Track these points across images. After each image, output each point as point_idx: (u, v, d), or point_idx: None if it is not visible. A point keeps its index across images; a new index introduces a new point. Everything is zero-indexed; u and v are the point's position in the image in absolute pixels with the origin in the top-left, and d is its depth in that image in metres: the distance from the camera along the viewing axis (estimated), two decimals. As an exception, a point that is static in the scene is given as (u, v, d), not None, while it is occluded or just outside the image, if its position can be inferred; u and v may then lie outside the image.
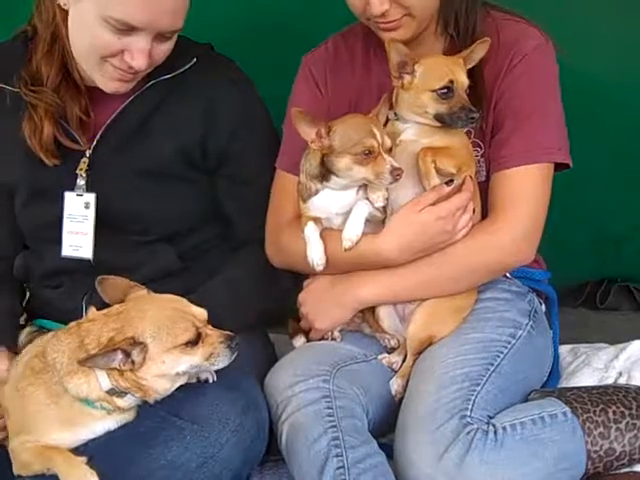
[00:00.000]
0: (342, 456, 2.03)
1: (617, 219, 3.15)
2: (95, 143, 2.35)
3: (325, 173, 2.20)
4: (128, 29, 2.13)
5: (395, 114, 2.25)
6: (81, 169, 2.35)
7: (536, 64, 2.26)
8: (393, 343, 2.35)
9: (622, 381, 2.45)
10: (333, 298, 2.33)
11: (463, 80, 2.15)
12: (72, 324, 2.08)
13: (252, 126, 2.42)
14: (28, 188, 2.39)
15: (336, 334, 2.38)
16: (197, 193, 2.42)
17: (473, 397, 2.13)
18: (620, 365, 2.51)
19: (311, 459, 2.06)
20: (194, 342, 1.99)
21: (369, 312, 2.37)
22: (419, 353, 2.28)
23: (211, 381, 2.12)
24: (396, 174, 2.10)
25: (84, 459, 1.99)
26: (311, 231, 2.26)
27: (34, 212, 2.43)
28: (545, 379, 2.43)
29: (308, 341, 2.41)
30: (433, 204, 2.16)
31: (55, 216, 2.38)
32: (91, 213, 2.35)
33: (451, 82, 2.13)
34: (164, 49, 2.24)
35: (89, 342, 1.99)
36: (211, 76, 2.38)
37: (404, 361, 2.33)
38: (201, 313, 2.04)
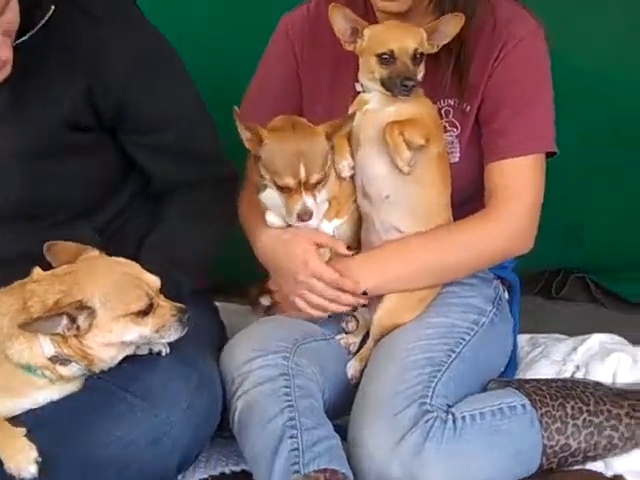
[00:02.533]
0: (297, 438, 1.92)
1: (580, 208, 3.06)
2: None
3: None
4: None
5: (361, 85, 2.14)
6: None
7: (532, 49, 2.15)
8: (351, 327, 2.25)
9: (579, 375, 2.41)
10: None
11: (407, 46, 2.03)
12: (15, 284, 1.89)
13: (149, 67, 2.05)
14: None
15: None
16: (100, 157, 2.11)
17: (434, 384, 2.03)
18: (578, 358, 2.46)
19: (265, 439, 1.94)
20: (145, 312, 1.85)
21: None
22: (380, 339, 2.17)
23: (164, 354, 1.96)
24: (302, 219, 2.01)
25: (23, 430, 1.82)
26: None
27: None
28: (503, 368, 2.34)
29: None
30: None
31: None
32: None
33: (393, 47, 2.03)
34: (9, 18, 1.86)
35: (33, 304, 1.82)
36: (81, 20, 1.98)
37: (362, 343, 2.23)
38: (154, 281, 1.88)
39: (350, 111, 2.14)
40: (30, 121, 2.00)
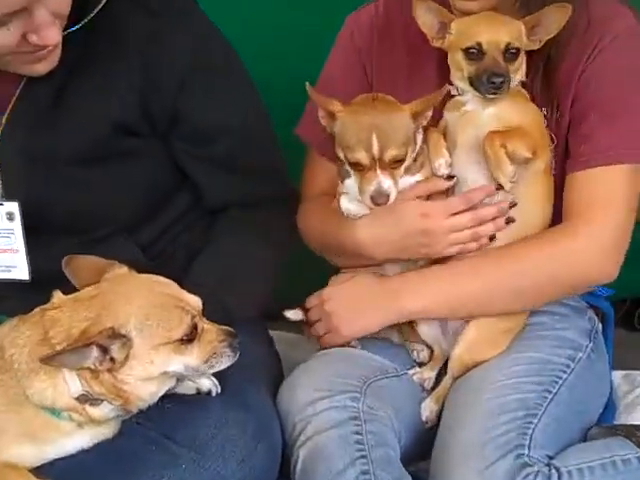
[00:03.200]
0: None
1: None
2: (2, 130, 1.80)
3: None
4: (10, 16, 1.60)
5: (455, 88, 1.89)
6: None
7: (630, 46, 1.87)
8: (422, 357, 1.97)
9: None
10: (373, 301, 1.91)
11: (498, 39, 1.78)
12: (35, 311, 1.61)
13: (207, 69, 1.84)
14: None
15: (354, 342, 1.97)
16: (149, 166, 1.89)
17: (530, 431, 1.75)
18: (687, 400, 2.12)
19: None
20: (190, 338, 1.57)
21: None
22: (460, 376, 1.90)
23: (214, 394, 1.67)
24: (377, 202, 1.76)
25: None
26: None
27: None
28: (602, 410, 2.04)
29: (321, 347, 2.01)
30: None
31: None
32: (17, 226, 1.82)
33: (481, 40, 1.78)
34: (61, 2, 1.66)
35: (55, 335, 1.53)
36: (136, 12, 1.79)
37: (438, 379, 1.95)
38: (195, 302, 1.60)
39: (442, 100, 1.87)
40: (74, 122, 1.79)
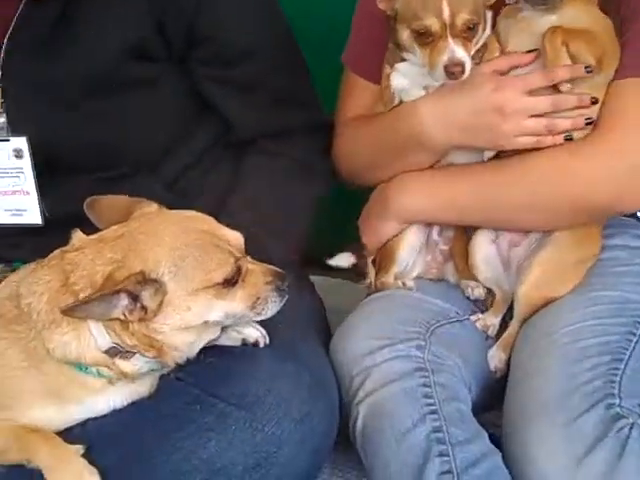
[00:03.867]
0: (448, 456, 1.46)
1: None
2: (2, 58, 1.64)
3: (396, 43, 1.70)
4: None
5: None
6: None
7: None
8: (477, 294, 1.79)
9: None
10: (378, 207, 1.81)
11: None
12: (54, 254, 1.42)
13: None
14: None
15: (409, 282, 1.81)
16: (169, 94, 1.72)
17: (617, 378, 1.56)
18: None
19: (403, 456, 1.48)
20: (232, 281, 1.36)
21: (459, 254, 1.82)
22: (527, 319, 1.72)
23: (262, 345, 1.47)
24: (452, 71, 1.60)
25: (80, 449, 1.37)
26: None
27: None
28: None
29: (373, 289, 1.82)
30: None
31: None
32: (27, 164, 1.67)
33: None
34: None
35: (76, 280, 1.34)
36: None
37: (502, 324, 1.77)
38: (237, 239, 1.41)
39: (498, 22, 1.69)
40: (81, 46, 1.63)
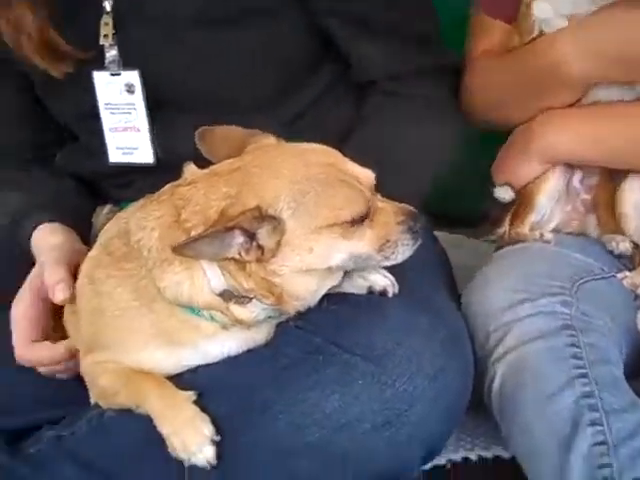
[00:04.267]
0: (602, 425, 1.30)
1: None
2: None
3: None
4: None
5: None
6: (105, 35, 1.55)
7: None
8: (623, 248, 1.63)
9: None
10: (518, 146, 1.67)
11: None
12: (165, 189, 1.31)
13: None
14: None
15: (548, 235, 1.65)
16: (286, 29, 1.60)
17: None
18: None
19: (547, 423, 1.33)
20: (359, 220, 1.24)
21: (603, 204, 1.67)
22: None
23: (391, 294, 1.33)
24: None
25: (192, 395, 1.28)
26: None
27: (55, 102, 1.68)
28: None
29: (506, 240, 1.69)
30: None
31: (88, 105, 1.62)
32: (139, 99, 1.59)
33: None
34: None
35: (188, 216, 1.23)
36: None
37: None
38: (366, 175, 1.27)
39: None
40: None
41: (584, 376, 1.33)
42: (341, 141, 1.54)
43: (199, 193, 1.23)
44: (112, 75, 1.58)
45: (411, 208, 1.28)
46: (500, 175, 1.69)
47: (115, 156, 1.64)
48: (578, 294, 1.45)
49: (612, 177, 1.63)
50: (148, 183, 1.43)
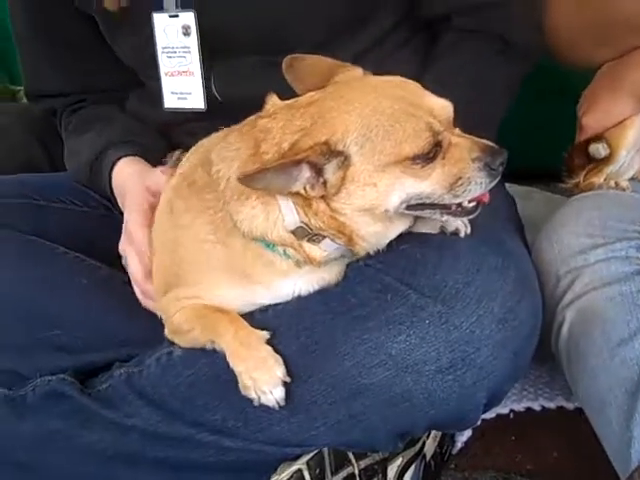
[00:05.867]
0: None
1: None
2: None
3: None
4: None
5: None
6: None
7: None
8: None
9: None
10: (609, 81, 1.62)
11: None
12: (247, 120, 1.30)
13: None
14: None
15: (624, 183, 1.62)
16: None
17: None
18: None
19: (614, 371, 1.31)
20: (428, 156, 1.19)
21: None
22: None
23: (462, 234, 1.30)
24: None
25: (265, 334, 1.28)
26: None
27: (122, 45, 1.66)
28: None
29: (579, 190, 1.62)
30: None
31: (149, 49, 1.60)
32: (194, 42, 1.55)
33: None
34: None
35: (267, 149, 1.22)
36: None
37: None
38: (443, 107, 1.22)
39: None
40: None
41: None
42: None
43: (277, 125, 1.23)
44: (170, 17, 1.55)
45: (490, 143, 1.23)
46: (588, 117, 1.62)
47: (170, 101, 1.62)
48: None
49: None
50: (211, 130, 1.41)
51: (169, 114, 1.63)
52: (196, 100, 1.59)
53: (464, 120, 1.31)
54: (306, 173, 1.19)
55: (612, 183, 1.61)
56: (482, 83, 1.54)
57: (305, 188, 1.20)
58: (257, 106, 1.30)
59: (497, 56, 1.55)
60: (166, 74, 1.60)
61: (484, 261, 1.28)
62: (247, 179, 1.17)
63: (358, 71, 1.28)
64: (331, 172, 1.19)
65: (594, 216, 1.47)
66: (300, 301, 1.31)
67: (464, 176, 1.20)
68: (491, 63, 1.55)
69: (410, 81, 1.25)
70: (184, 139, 1.65)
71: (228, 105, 1.51)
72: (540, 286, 1.40)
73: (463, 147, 1.21)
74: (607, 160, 1.61)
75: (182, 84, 1.60)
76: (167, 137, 1.69)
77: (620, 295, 1.34)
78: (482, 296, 1.25)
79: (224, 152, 1.26)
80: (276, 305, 1.32)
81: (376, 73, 1.30)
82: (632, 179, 1.63)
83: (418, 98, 1.22)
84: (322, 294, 1.31)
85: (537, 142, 2.06)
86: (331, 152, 1.18)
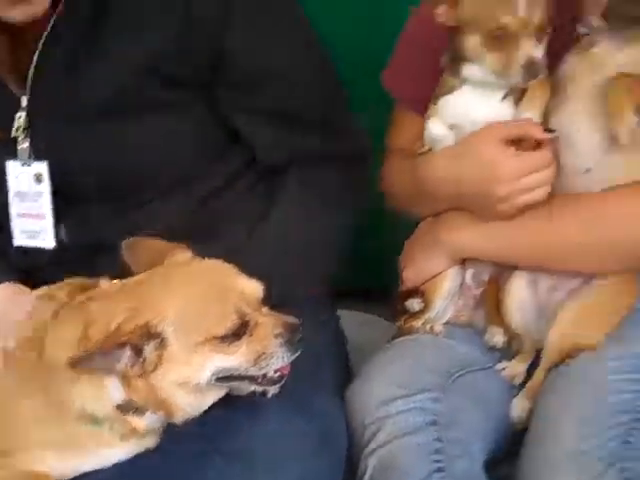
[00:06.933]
0: None
1: None
2: (29, 86, 1.60)
3: (456, 57, 1.63)
4: None
5: (586, 26, 1.60)
6: (19, 127, 1.62)
7: None
8: (496, 341, 1.75)
9: None
10: (426, 240, 1.77)
11: None
12: (78, 300, 1.43)
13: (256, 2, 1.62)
14: None
15: (438, 327, 1.77)
16: (192, 121, 1.65)
17: (633, 438, 1.51)
18: None
19: None
20: (236, 335, 1.35)
21: (490, 298, 1.77)
22: (554, 367, 1.66)
23: (270, 395, 1.45)
24: (531, 69, 1.54)
25: None
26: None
27: None
28: None
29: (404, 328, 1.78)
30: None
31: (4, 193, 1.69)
32: (46, 188, 1.65)
33: None
34: None
35: (94, 332, 1.34)
36: None
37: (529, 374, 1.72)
38: (253, 290, 1.38)
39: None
40: (101, 66, 1.58)
41: (441, 470, 1.47)
42: (251, 225, 1.67)
43: (106, 307, 1.36)
44: (23, 165, 1.64)
45: (291, 320, 1.38)
46: (406, 271, 1.79)
47: (20, 239, 1.70)
48: (451, 388, 1.60)
49: (500, 274, 1.73)
50: (59, 271, 1.54)
51: (22, 254, 1.70)
52: (46, 240, 1.67)
53: (292, 269, 1.49)
54: (128, 353, 1.30)
55: (428, 328, 1.76)
56: (311, 234, 1.67)
57: (127, 367, 1.32)
58: (107, 251, 1.44)
59: (326, 207, 1.69)
60: (18, 215, 1.68)
61: (287, 425, 1.42)
62: (75, 363, 1.29)
63: (186, 255, 1.42)
64: (149, 352, 1.31)
65: (400, 367, 1.63)
66: (122, 466, 1.41)
67: (267, 351, 1.35)
68: (321, 214, 1.68)
69: (227, 266, 1.40)
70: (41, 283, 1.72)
71: (78, 249, 1.62)
72: (350, 432, 1.55)
73: (267, 325, 1.36)
74: (424, 310, 1.76)
75: (33, 225, 1.68)
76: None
77: (415, 445, 1.49)
78: (286, 456, 1.39)
79: (57, 331, 1.39)
80: (97, 471, 1.41)
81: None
82: (447, 323, 1.78)
83: (231, 282, 1.37)
84: (141, 458, 1.41)
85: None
86: (150, 334, 1.31)
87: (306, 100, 1.66)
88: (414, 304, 1.76)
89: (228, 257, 1.43)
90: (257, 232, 1.66)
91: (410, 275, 1.77)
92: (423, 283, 1.75)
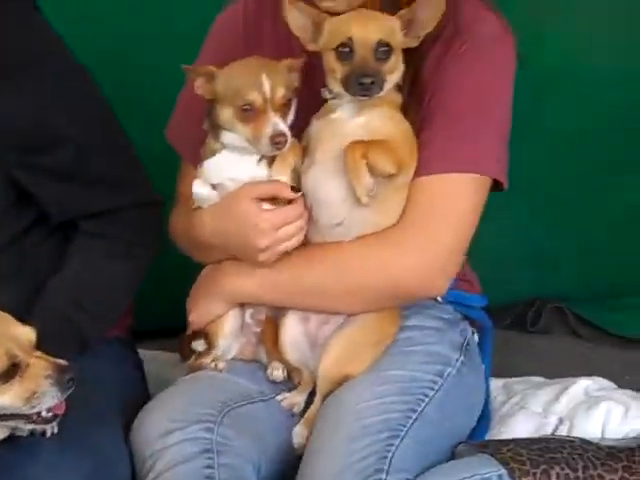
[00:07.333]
0: None
1: (556, 235, 2.72)
2: None
3: (215, 124, 1.77)
4: None
5: (329, 91, 1.77)
6: None
7: (488, 56, 1.79)
8: (276, 375, 1.87)
9: (563, 429, 2.06)
10: (207, 286, 1.89)
11: (368, 37, 1.68)
12: None
13: (36, 69, 1.70)
14: None
15: (221, 364, 1.88)
16: None
17: (390, 454, 1.68)
18: (561, 409, 2.10)
19: None
20: (7, 376, 1.46)
21: (268, 335, 1.89)
22: (328, 394, 1.79)
23: (49, 434, 1.56)
24: (277, 141, 1.69)
25: None
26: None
27: None
28: (474, 424, 1.99)
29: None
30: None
31: None
32: None
33: (350, 38, 1.68)
34: None
35: None
36: None
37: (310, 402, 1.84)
38: (25, 334, 1.51)
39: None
40: None
41: None
42: (42, 280, 1.76)
43: None
44: None
45: (61, 362, 1.50)
46: (191, 314, 1.90)
47: None
48: (225, 419, 1.71)
49: (276, 313, 1.85)
50: None
51: None
52: None
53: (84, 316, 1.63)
54: None
55: (212, 365, 1.85)
56: (102, 281, 1.80)
57: None
58: None
59: (115, 256, 1.81)
60: None
61: (59, 460, 1.51)
62: None
63: None
64: None
65: (178, 401, 1.74)
66: None
67: (38, 391, 1.47)
68: (109, 262, 1.81)
69: (2, 313, 1.52)
70: None
71: None
72: (134, 463, 1.66)
73: (39, 366, 1.48)
74: (209, 350, 1.88)
75: None
76: None
77: (188, 472, 1.61)
78: None
79: None
80: None
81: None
82: (233, 359, 1.88)
83: (5, 328, 1.50)
84: None
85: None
86: None
87: (91, 157, 1.76)
88: (198, 345, 1.88)
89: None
90: (46, 287, 1.75)
91: (194, 318, 1.88)
92: (206, 325, 1.89)
